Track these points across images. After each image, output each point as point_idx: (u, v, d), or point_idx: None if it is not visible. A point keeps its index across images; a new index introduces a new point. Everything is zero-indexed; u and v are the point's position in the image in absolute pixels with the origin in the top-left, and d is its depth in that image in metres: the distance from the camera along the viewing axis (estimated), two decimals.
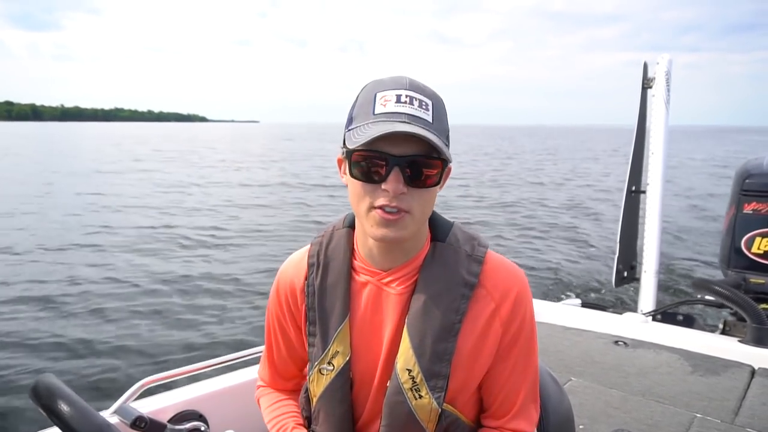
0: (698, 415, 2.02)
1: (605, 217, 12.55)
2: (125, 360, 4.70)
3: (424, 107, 0.86)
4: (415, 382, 0.92)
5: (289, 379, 1.16)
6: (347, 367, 0.98)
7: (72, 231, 10.26)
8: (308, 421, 1.08)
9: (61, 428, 0.85)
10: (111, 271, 7.52)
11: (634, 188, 3.91)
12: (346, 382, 0.99)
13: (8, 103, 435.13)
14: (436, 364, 0.92)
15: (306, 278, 1.02)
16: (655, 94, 3.58)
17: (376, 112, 0.86)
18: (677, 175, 20.74)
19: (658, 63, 3.63)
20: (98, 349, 4.90)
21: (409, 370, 0.92)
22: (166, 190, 16.97)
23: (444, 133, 0.89)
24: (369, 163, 0.85)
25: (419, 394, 0.92)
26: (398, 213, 0.85)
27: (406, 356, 0.93)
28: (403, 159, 0.84)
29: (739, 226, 3.43)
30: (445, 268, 0.95)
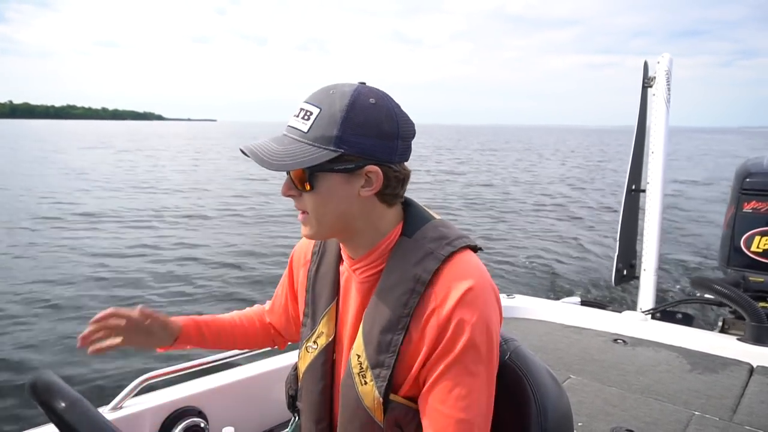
0: (696, 413, 2.02)
1: (605, 215, 12.56)
2: (124, 356, 4.70)
3: (305, 117, 0.91)
4: (362, 367, 0.96)
5: (274, 312, 1.28)
6: (329, 347, 1.07)
7: (70, 227, 10.27)
8: (293, 399, 1.16)
9: (58, 425, 0.85)
10: (108, 268, 7.52)
11: (633, 187, 3.91)
12: (327, 360, 1.07)
13: None
14: (381, 354, 0.93)
15: (309, 265, 1.14)
16: (656, 93, 3.57)
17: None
18: (678, 172, 20.74)
19: (658, 62, 3.62)
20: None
21: (359, 356, 0.97)
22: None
23: (322, 139, 0.88)
24: None
25: (365, 380, 0.95)
26: (302, 213, 0.97)
27: (358, 342, 0.98)
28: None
29: (738, 224, 3.43)
30: (403, 262, 0.96)
